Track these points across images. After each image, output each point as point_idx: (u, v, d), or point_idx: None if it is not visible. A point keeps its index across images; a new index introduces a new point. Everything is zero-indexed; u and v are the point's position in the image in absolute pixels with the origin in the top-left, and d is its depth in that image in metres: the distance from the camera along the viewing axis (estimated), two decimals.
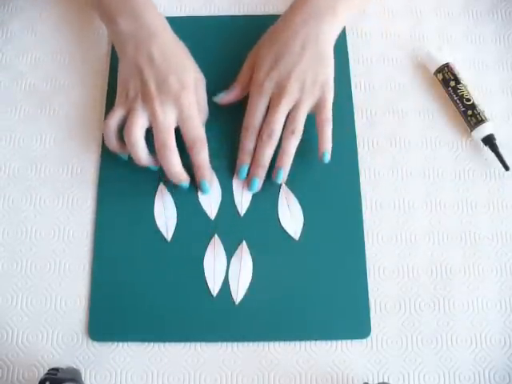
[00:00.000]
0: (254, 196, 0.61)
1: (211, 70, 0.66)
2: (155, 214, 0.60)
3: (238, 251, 0.59)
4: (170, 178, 0.59)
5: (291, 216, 0.60)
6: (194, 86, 0.60)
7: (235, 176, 0.61)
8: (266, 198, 0.61)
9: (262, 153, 0.60)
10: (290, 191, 0.61)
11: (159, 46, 0.60)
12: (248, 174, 0.61)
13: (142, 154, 0.59)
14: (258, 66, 0.61)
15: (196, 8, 0.70)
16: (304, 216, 0.60)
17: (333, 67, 0.60)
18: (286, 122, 0.59)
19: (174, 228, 0.60)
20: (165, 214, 0.60)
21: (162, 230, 0.60)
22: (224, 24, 0.69)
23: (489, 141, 0.62)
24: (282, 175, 0.60)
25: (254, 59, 0.63)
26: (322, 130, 0.60)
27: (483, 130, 0.62)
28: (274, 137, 0.59)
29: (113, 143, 0.60)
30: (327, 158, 0.60)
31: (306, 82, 0.59)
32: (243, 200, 0.61)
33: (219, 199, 0.61)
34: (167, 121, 0.58)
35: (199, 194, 0.60)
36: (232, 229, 0.60)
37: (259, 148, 0.60)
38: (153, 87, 0.58)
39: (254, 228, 0.60)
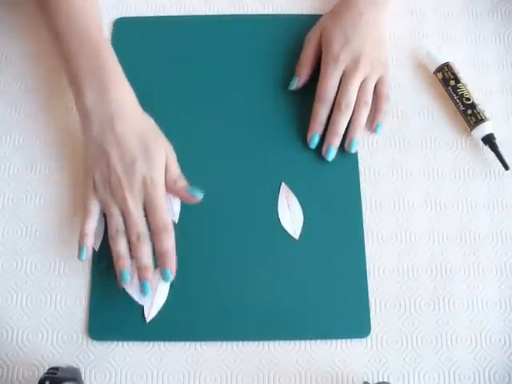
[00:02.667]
0: (254, 195, 0.61)
1: (211, 70, 0.66)
2: None
3: None
4: (138, 271, 0.56)
5: (291, 215, 0.60)
6: (163, 166, 0.59)
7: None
8: (266, 197, 0.61)
9: (339, 122, 0.62)
10: (290, 191, 0.61)
11: (125, 129, 0.58)
12: (322, 144, 0.62)
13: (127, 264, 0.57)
14: (329, 40, 0.64)
15: (196, 7, 0.70)
16: (304, 216, 0.60)
17: (387, 50, 0.66)
18: (357, 94, 0.62)
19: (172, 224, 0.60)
20: None
21: None
22: (224, 23, 0.69)
23: (489, 140, 0.62)
24: (356, 145, 0.62)
25: (317, 38, 0.65)
26: (381, 104, 0.64)
27: (483, 130, 0.62)
28: (351, 107, 0.62)
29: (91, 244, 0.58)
30: (380, 128, 0.63)
31: (373, 59, 0.63)
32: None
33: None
34: (138, 210, 0.57)
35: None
36: None
37: (336, 117, 0.62)
38: (121, 174, 0.57)
39: (253, 227, 0.60)
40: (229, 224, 0.60)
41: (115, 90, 0.59)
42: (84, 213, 0.58)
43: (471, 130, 0.63)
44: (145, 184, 0.57)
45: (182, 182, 0.59)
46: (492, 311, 0.58)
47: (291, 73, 0.65)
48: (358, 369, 0.56)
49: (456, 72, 0.65)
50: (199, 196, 0.59)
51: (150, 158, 0.58)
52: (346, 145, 0.62)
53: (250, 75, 0.66)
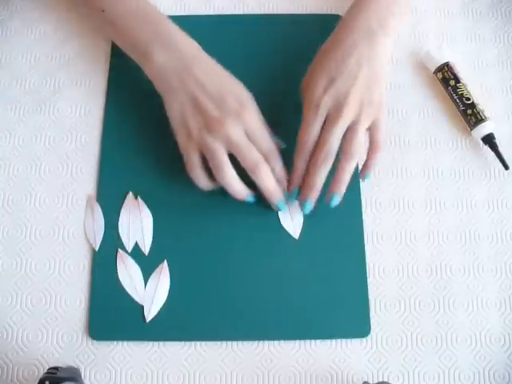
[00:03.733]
0: (255, 195, 0.61)
1: None
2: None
3: None
4: (268, 194, 0.57)
5: (291, 215, 0.60)
6: (252, 100, 0.58)
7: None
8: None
9: (316, 175, 0.57)
10: None
11: (204, 71, 0.58)
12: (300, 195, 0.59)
13: (240, 189, 0.57)
14: (312, 85, 0.58)
15: (196, 7, 0.70)
16: (304, 216, 0.60)
17: (385, 88, 0.59)
18: (342, 144, 0.57)
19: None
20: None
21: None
22: (224, 23, 0.69)
23: (489, 140, 0.62)
24: (337, 200, 0.58)
25: (307, 85, 0.60)
26: (371, 153, 0.59)
27: (483, 129, 0.62)
28: (330, 159, 0.56)
29: (208, 186, 0.58)
30: (368, 178, 0.60)
31: (363, 101, 0.57)
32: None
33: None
34: (243, 137, 0.56)
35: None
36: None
37: (313, 170, 0.57)
38: (215, 113, 0.56)
39: (253, 227, 0.60)
40: (229, 224, 0.60)
41: (181, 43, 0.59)
42: (189, 169, 0.58)
43: (471, 129, 0.63)
44: (241, 116, 0.56)
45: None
46: (492, 311, 0.58)
47: (291, 72, 0.65)
48: (357, 368, 0.56)
49: (456, 72, 0.65)
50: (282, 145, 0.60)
51: (238, 94, 0.57)
52: (326, 198, 0.58)
53: (250, 74, 0.66)
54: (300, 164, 0.58)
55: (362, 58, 0.58)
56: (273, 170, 0.57)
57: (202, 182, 0.58)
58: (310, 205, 0.58)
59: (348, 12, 0.62)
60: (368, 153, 0.59)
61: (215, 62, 0.60)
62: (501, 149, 0.62)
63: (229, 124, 0.55)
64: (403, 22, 0.63)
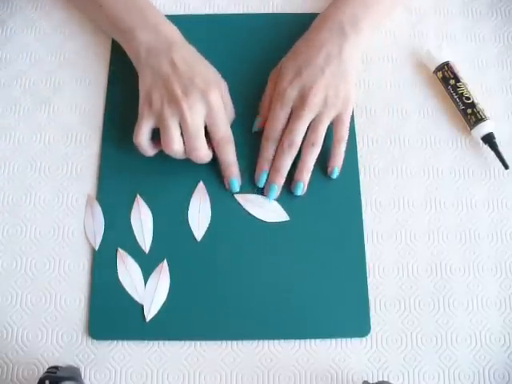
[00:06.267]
0: (255, 192, 0.61)
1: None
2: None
3: None
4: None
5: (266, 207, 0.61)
6: (219, 86, 0.61)
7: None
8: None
9: (282, 161, 0.59)
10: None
11: (180, 54, 0.60)
12: (266, 181, 0.61)
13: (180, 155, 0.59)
14: (280, 76, 0.61)
15: (196, 7, 0.70)
16: (304, 215, 0.60)
17: (354, 85, 0.61)
18: (306, 133, 0.60)
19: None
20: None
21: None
22: (225, 23, 0.69)
23: (488, 139, 0.62)
24: (302, 188, 0.60)
25: (276, 76, 0.63)
26: (336, 147, 0.60)
27: (483, 129, 0.62)
28: (295, 147, 0.59)
29: (149, 152, 0.60)
30: (336, 173, 0.61)
31: (328, 94, 0.59)
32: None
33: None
34: (196, 122, 0.58)
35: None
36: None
37: (278, 157, 0.60)
38: (179, 91, 0.58)
39: (254, 227, 0.60)
40: (229, 223, 0.60)
41: (164, 26, 0.62)
42: (135, 134, 0.59)
43: (471, 129, 0.63)
44: (204, 97, 0.58)
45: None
46: (492, 310, 0.58)
47: None
48: (357, 368, 0.56)
49: (456, 71, 0.65)
50: None
51: (207, 77, 0.60)
52: (291, 186, 0.60)
53: (250, 73, 0.66)
54: (266, 152, 0.61)
55: (332, 54, 0.60)
56: (224, 156, 0.60)
57: (145, 147, 0.59)
58: (276, 190, 0.60)
59: (325, 10, 0.64)
60: (332, 147, 0.61)
61: (195, 50, 0.63)
62: (501, 148, 0.62)
63: (186, 106, 0.57)
64: (375, 24, 0.64)
